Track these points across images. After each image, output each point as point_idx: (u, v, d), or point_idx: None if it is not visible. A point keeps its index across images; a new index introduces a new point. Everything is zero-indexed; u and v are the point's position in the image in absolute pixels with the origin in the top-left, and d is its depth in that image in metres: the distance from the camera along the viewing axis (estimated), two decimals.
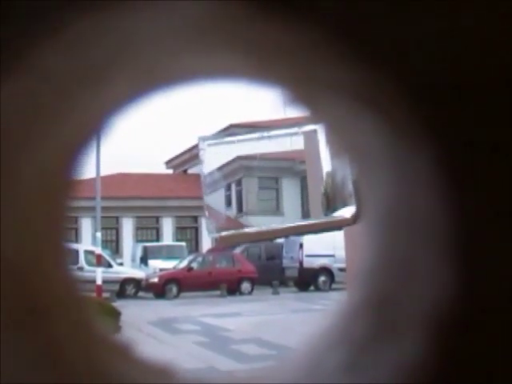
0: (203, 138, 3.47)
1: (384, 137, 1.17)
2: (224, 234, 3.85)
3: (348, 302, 1.43)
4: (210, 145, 3.53)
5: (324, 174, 3.16)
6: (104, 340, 1.40)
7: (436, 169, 1.04)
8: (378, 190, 1.34)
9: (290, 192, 30.73)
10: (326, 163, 3.16)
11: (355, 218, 2.87)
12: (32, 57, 0.96)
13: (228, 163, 4.31)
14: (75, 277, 1.40)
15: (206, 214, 3.77)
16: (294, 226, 3.91)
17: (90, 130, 1.27)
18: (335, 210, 3.18)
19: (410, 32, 0.98)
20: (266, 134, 3.37)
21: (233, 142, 3.49)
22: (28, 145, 1.10)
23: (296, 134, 3.22)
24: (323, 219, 3.27)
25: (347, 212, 2.98)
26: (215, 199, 4.15)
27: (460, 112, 1.02)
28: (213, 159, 3.63)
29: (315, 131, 3.20)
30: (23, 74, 0.97)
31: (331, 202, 3.14)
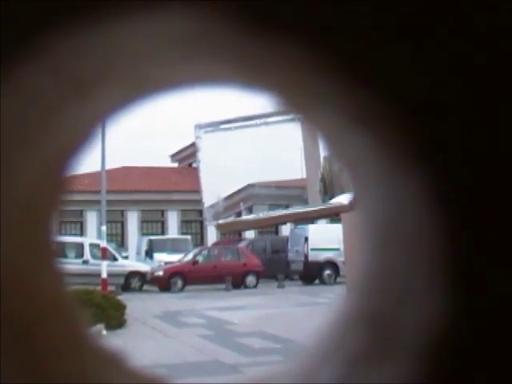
0: (199, 126, 3.44)
1: (373, 150, 1.17)
2: (221, 221, 3.85)
3: (343, 314, 1.42)
4: (206, 132, 3.50)
5: (321, 159, 3.12)
6: (94, 349, 1.39)
7: (427, 183, 1.03)
8: (368, 202, 1.33)
9: None
10: (324, 148, 3.12)
11: (352, 205, 2.83)
12: (21, 73, 0.97)
13: (239, 191, 4.32)
14: (66, 282, 1.39)
15: (204, 202, 3.75)
16: (292, 213, 3.89)
17: (80, 138, 1.30)
18: (333, 196, 3.14)
19: (398, 48, 0.98)
20: (263, 120, 3.34)
21: (230, 128, 3.46)
22: (19, 154, 1.11)
23: (293, 119, 3.18)
24: (321, 206, 3.24)
25: (344, 199, 2.95)
26: None
27: (448, 126, 1.01)
28: (210, 146, 3.60)
29: None
30: (13, 91, 0.99)
31: (329, 187, 3.11)
